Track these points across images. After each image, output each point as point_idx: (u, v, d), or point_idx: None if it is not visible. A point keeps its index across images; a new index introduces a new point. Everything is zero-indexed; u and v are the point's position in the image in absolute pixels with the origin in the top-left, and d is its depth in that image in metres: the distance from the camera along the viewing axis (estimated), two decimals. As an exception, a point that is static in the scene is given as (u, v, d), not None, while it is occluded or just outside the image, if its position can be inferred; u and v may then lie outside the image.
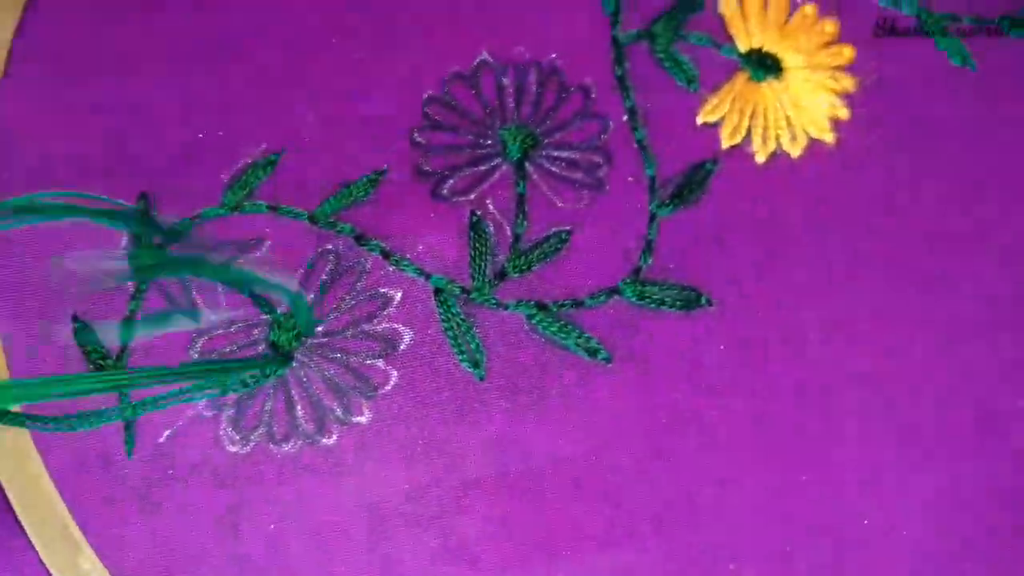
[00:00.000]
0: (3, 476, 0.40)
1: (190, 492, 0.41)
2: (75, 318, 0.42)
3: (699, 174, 0.44)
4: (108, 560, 0.40)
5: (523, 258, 0.43)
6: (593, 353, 0.42)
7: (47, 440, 0.41)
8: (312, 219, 0.42)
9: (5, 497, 0.41)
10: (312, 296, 0.42)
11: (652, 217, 0.44)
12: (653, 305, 0.43)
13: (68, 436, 0.41)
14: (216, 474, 0.41)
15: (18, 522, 0.40)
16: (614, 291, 0.43)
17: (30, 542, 0.40)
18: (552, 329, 0.42)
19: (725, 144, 0.45)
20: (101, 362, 0.41)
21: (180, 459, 0.41)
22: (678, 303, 0.43)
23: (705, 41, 0.46)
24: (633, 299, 0.43)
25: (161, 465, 0.41)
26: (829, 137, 0.45)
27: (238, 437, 0.41)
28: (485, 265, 0.42)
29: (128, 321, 0.42)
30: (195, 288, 0.42)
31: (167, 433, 0.41)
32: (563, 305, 0.43)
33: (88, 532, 0.41)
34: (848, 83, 0.46)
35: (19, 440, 0.40)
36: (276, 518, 0.41)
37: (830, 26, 0.47)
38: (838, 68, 0.46)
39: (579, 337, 0.42)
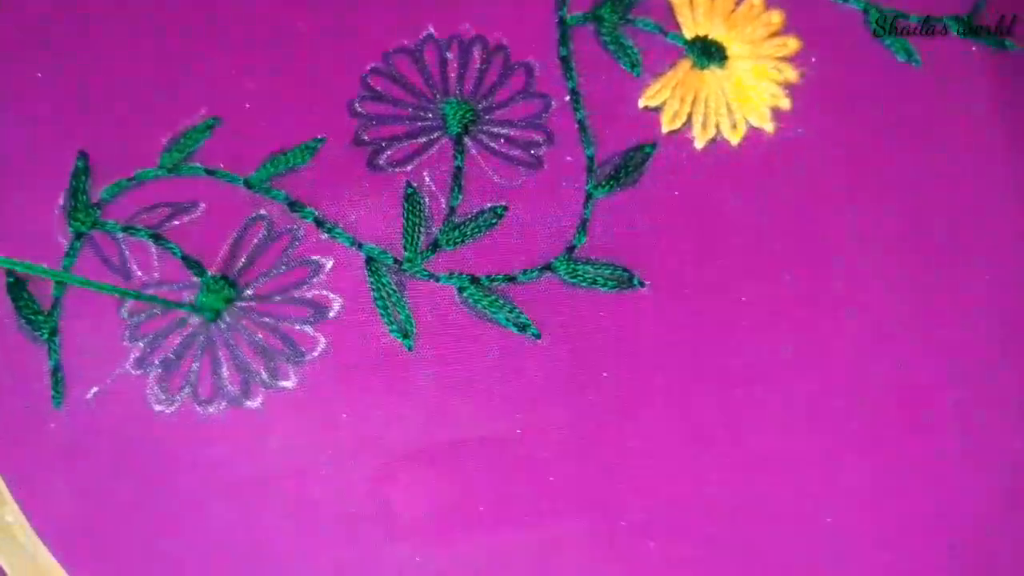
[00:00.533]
0: (-74, 425, 0.41)
1: (115, 449, 0.41)
2: (9, 272, 0.42)
3: (637, 156, 0.45)
4: (32, 513, 0.41)
5: (457, 231, 0.43)
6: (523, 328, 0.43)
7: (-29, 391, 0.41)
8: (248, 184, 0.43)
9: (-73, 447, 0.41)
10: (243, 260, 0.42)
11: (588, 197, 0.44)
12: (585, 284, 0.43)
13: (-6, 385, 0.41)
14: (141, 432, 0.41)
15: (-61, 472, 0.41)
16: (547, 268, 0.43)
17: (-49, 493, 0.41)
18: (483, 303, 0.43)
19: (665, 129, 0.45)
20: (32, 317, 0.41)
21: (106, 415, 0.41)
22: (611, 283, 0.43)
23: (651, 26, 0.47)
24: (566, 277, 0.43)
25: (87, 420, 0.41)
26: (769, 126, 0.46)
27: (164, 396, 0.41)
28: (418, 236, 0.43)
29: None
30: (128, 246, 0.42)
31: (94, 390, 0.41)
32: (495, 279, 0.43)
33: (12, 484, 0.41)
34: (791, 74, 0.47)
35: (-58, 390, 0.41)
36: (199, 478, 0.41)
37: (776, 17, 0.47)
38: (782, 59, 0.47)
39: (510, 312, 0.43)
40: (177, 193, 0.43)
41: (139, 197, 0.43)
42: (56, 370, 0.42)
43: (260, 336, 0.42)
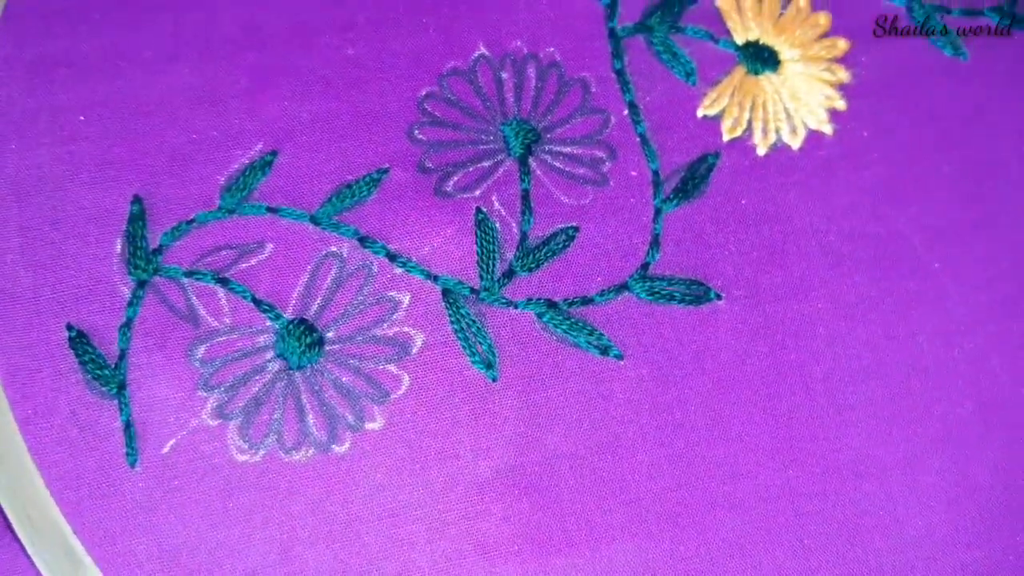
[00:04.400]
0: (0, 492, 0.41)
1: (197, 504, 0.42)
2: (69, 326, 0.42)
3: (702, 168, 0.47)
4: (99, 558, 0.41)
5: (531, 256, 0.44)
6: (605, 351, 0.44)
7: (45, 453, 0.41)
8: (314, 220, 0.44)
9: (3, 515, 0.41)
10: (318, 301, 0.43)
11: (657, 212, 0.46)
12: (663, 300, 0.45)
13: (67, 448, 0.41)
14: (226, 485, 0.42)
15: (18, 541, 0.41)
16: (623, 287, 0.45)
17: (31, 563, 0.41)
18: (563, 327, 0.44)
19: (726, 137, 0.47)
20: (99, 372, 0.42)
21: (186, 470, 0.42)
22: (688, 298, 0.45)
23: (702, 34, 0.48)
24: (643, 295, 0.45)
25: (166, 477, 0.42)
26: (828, 128, 0.48)
27: (247, 446, 0.42)
28: (493, 264, 0.44)
29: (125, 329, 0.42)
30: (194, 292, 0.43)
31: (171, 443, 0.42)
32: (572, 303, 0.44)
33: (92, 549, 0.41)
34: (843, 75, 0.49)
35: (16, 454, 0.41)
36: (289, 528, 0.42)
37: (823, 19, 0.50)
38: (833, 60, 0.49)
39: (590, 335, 0.44)
40: (241, 234, 0.44)
41: (201, 240, 0.44)
42: (128, 426, 0.42)
43: (344, 378, 0.43)
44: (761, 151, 0.48)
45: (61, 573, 0.41)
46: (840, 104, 0.49)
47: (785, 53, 0.49)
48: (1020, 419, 0.47)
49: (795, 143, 0.48)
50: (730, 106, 0.48)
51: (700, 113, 0.48)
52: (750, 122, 0.48)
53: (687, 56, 0.48)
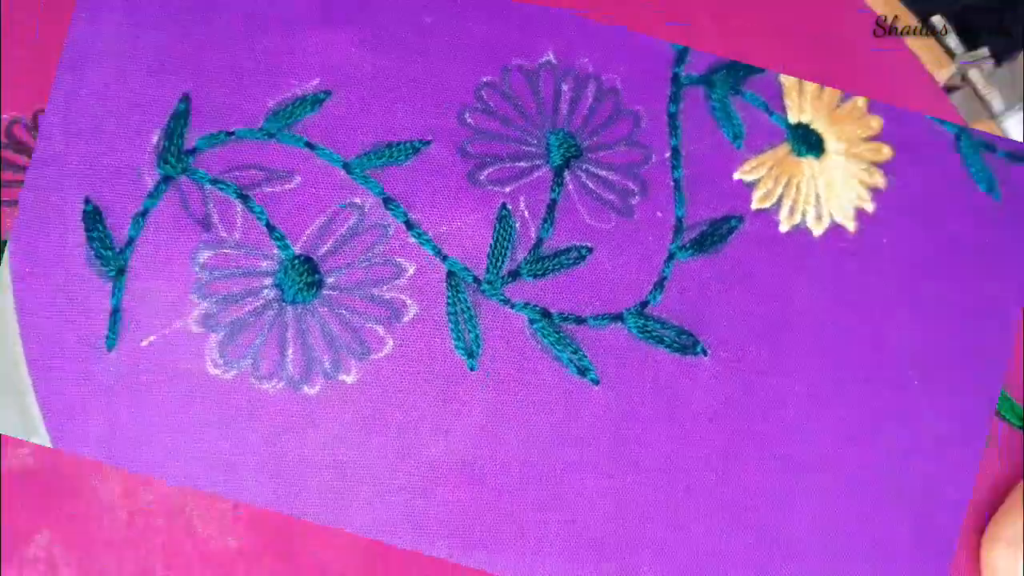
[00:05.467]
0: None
1: (159, 405, 0.43)
2: (87, 200, 0.43)
3: (724, 227, 0.48)
4: (52, 427, 0.42)
5: (540, 262, 0.46)
6: (583, 372, 0.46)
7: (30, 313, 0.42)
8: (346, 168, 0.45)
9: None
10: (328, 244, 0.44)
11: (670, 256, 0.47)
12: (652, 341, 0.46)
13: (53, 314, 0.42)
14: (189, 392, 0.43)
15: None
16: (618, 317, 0.46)
17: (-14, 411, 0.42)
18: (551, 338, 0.45)
19: (755, 205, 0.49)
20: (103, 251, 0.43)
21: (157, 367, 0.43)
22: (675, 345, 0.47)
23: (759, 103, 0.50)
24: (635, 330, 0.46)
25: (137, 369, 0.43)
26: (851, 225, 0.50)
27: (222, 361, 0.43)
28: (503, 260, 0.45)
29: (139, 217, 0.43)
30: (214, 200, 0.44)
31: (151, 338, 0.43)
32: (566, 318, 0.46)
33: (48, 415, 0.42)
34: (880, 180, 0.50)
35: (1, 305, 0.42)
36: (239, 452, 0.43)
37: (875, 122, 0.51)
38: (874, 163, 0.51)
39: (574, 353, 0.46)
40: (274, 159, 0.45)
41: (235, 154, 0.45)
42: (116, 311, 0.43)
43: (332, 325, 0.44)
44: (783, 228, 0.50)
45: (12, 430, 0.42)
46: (869, 206, 0.51)
47: (831, 143, 0.51)
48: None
49: (817, 229, 0.50)
50: (766, 178, 0.50)
51: (736, 176, 0.50)
52: (781, 197, 0.50)
53: (740, 119, 0.50)
